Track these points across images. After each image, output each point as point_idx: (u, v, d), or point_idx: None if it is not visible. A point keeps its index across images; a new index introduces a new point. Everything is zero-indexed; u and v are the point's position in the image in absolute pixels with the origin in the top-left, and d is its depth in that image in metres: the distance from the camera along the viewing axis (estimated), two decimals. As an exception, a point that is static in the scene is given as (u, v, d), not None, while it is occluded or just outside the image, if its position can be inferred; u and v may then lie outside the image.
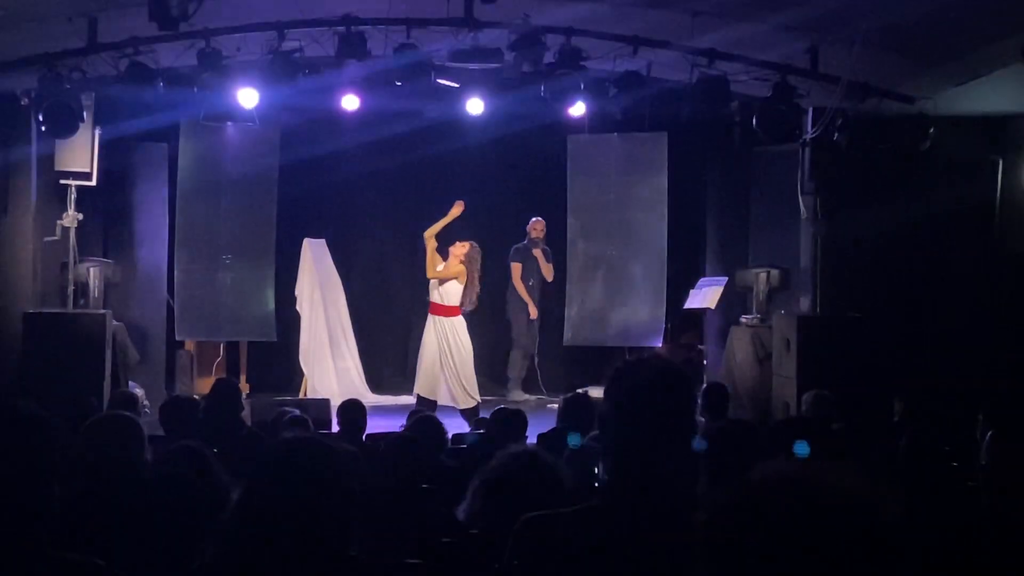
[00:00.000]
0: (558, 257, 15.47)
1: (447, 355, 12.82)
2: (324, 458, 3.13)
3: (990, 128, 12.91)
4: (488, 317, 15.89)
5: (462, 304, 12.95)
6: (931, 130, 12.07)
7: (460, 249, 12.94)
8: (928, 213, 12.42)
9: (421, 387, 12.89)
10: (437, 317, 12.91)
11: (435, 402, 12.56)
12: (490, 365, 15.55)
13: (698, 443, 3.15)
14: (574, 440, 4.69)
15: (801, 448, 3.23)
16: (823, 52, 11.77)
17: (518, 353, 15.33)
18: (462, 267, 12.86)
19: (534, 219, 15.35)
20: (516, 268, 15.21)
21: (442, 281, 12.92)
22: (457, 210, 13.13)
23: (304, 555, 3.03)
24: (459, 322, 12.96)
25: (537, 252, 15.17)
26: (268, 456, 3.16)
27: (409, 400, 13.32)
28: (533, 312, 15.21)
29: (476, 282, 13.00)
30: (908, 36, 10.76)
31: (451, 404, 12.72)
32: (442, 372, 12.83)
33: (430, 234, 13.05)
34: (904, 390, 9.49)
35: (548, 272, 15.20)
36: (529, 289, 15.30)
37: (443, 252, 13.07)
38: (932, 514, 4.54)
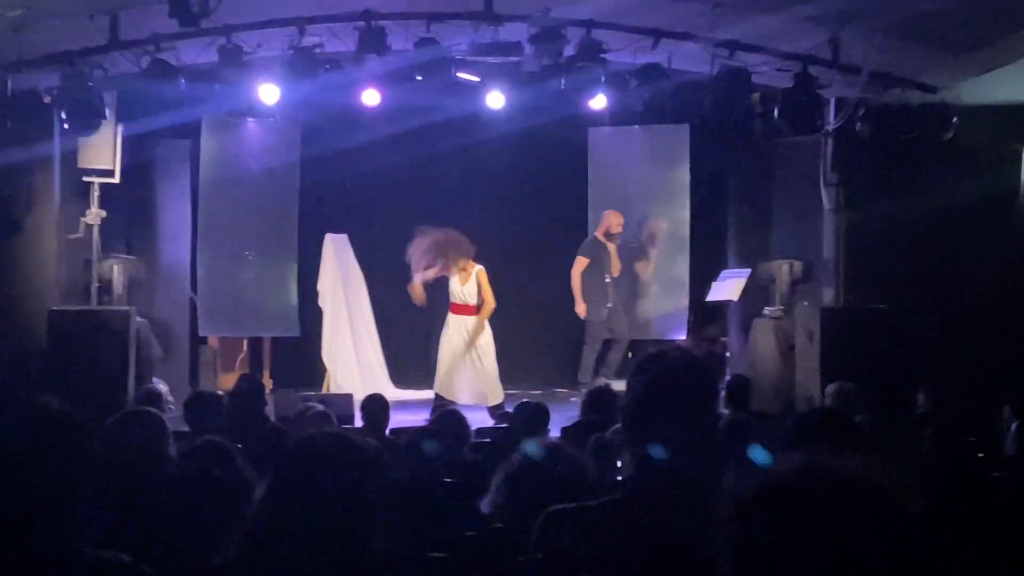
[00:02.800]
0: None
1: (472, 354, 12.77)
2: (348, 453, 3.13)
3: (1013, 117, 12.83)
4: (517, 311, 15.89)
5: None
6: (954, 119, 12.01)
7: (483, 276, 12.77)
8: (951, 203, 12.34)
9: (441, 386, 12.85)
10: (460, 317, 12.84)
11: (453, 401, 12.50)
12: (518, 359, 15.54)
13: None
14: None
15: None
16: (845, 42, 11.73)
17: (590, 348, 14.46)
18: (490, 293, 12.78)
19: (612, 212, 14.54)
20: (580, 262, 14.36)
21: (464, 282, 12.82)
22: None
23: (328, 549, 3.04)
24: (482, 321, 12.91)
25: (613, 248, 14.49)
26: (293, 451, 3.17)
27: (432, 394, 13.32)
28: (581, 311, 14.28)
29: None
30: (930, 25, 10.71)
31: (475, 403, 12.65)
32: (465, 372, 12.78)
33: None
34: (928, 382, 9.44)
35: (617, 268, 14.81)
36: (604, 285, 14.37)
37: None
38: (957, 505, 4.52)
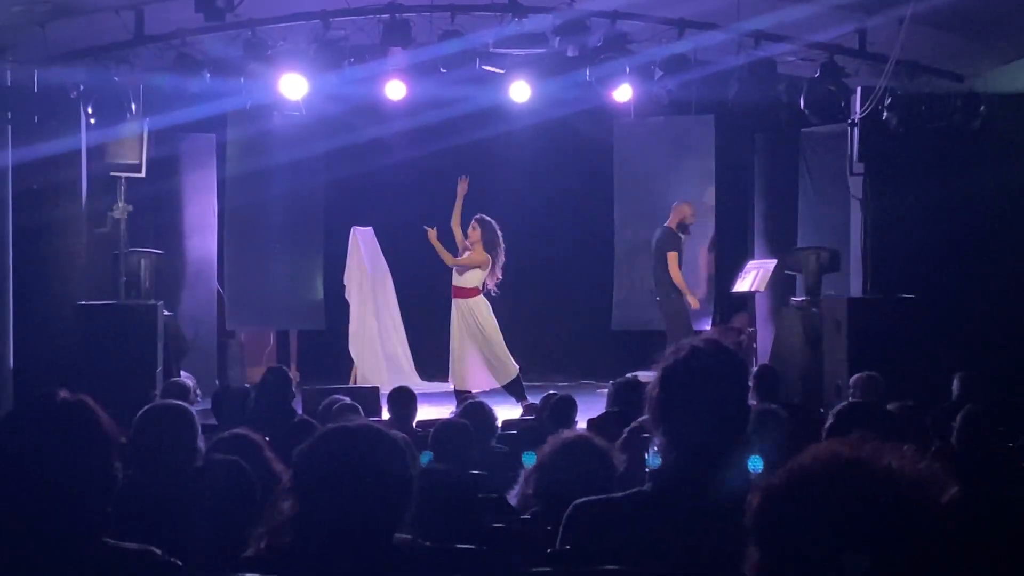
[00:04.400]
0: (606, 241, 15.42)
1: (475, 338, 12.75)
2: (376, 445, 3.13)
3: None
4: (542, 303, 15.90)
5: (485, 287, 12.81)
6: (982, 108, 11.93)
7: (475, 234, 12.78)
8: (979, 192, 12.27)
9: (454, 379, 12.86)
10: (459, 300, 12.85)
11: (469, 392, 12.47)
12: (545, 351, 15.54)
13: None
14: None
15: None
16: (871, 31, 11.67)
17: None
18: (486, 255, 12.72)
19: (686, 203, 14.17)
20: (674, 257, 13.71)
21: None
22: (463, 187, 12.99)
23: (355, 541, 3.04)
24: (481, 302, 12.86)
25: (686, 238, 14.14)
26: (319, 443, 3.17)
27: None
28: (694, 303, 13.79)
29: (500, 258, 12.83)
30: (957, 14, 10.64)
31: (489, 387, 12.65)
32: (473, 357, 12.76)
33: (457, 222, 12.96)
34: (960, 370, 9.38)
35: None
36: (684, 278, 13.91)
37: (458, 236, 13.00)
38: (987, 494, 4.50)
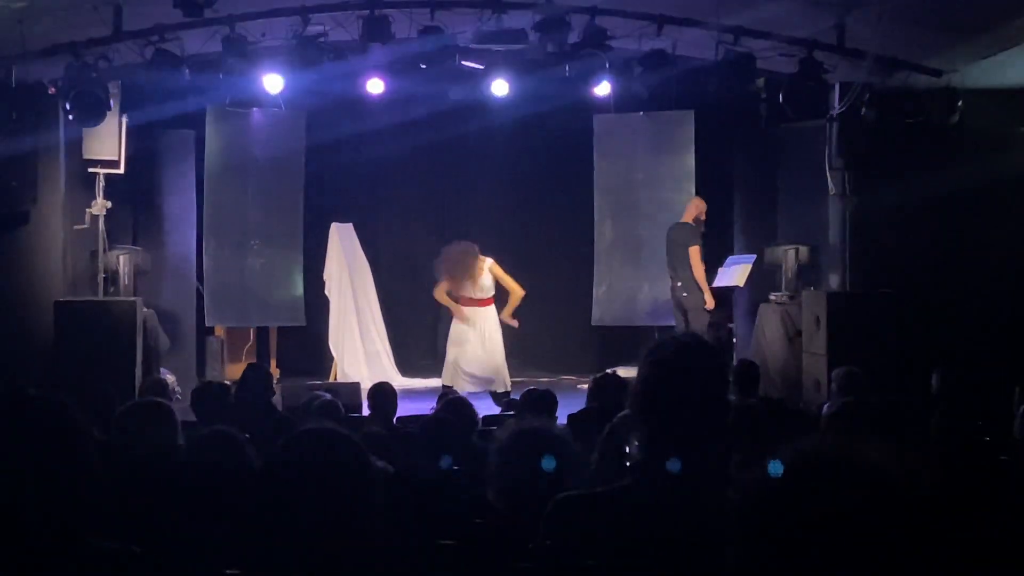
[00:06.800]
0: (586, 237, 15.43)
1: (480, 341, 12.74)
2: (336, 448, 3.07)
3: (1019, 100, 12.79)
4: (523, 298, 15.85)
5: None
6: (960, 103, 11.98)
7: (496, 269, 12.80)
8: (958, 187, 12.30)
9: (447, 377, 12.85)
10: (471, 308, 12.83)
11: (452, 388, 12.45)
12: (526, 346, 15.51)
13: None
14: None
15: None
16: (850, 27, 11.69)
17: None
18: (512, 280, 12.80)
19: (700, 199, 13.96)
20: (696, 252, 13.45)
21: (477, 281, 12.80)
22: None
23: (324, 541, 3.01)
24: (492, 311, 12.88)
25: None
26: (281, 451, 3.11)
27: (439, 383, 13.33)
28: (710, 302, 13.46)
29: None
30: (935, 9, 10.67)
31: (481, 390, 12.62)
32: (472, 360, 12.74)
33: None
34: (938, 365, 9.41)
35: None
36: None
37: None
38: (966, 488, 4.52)
